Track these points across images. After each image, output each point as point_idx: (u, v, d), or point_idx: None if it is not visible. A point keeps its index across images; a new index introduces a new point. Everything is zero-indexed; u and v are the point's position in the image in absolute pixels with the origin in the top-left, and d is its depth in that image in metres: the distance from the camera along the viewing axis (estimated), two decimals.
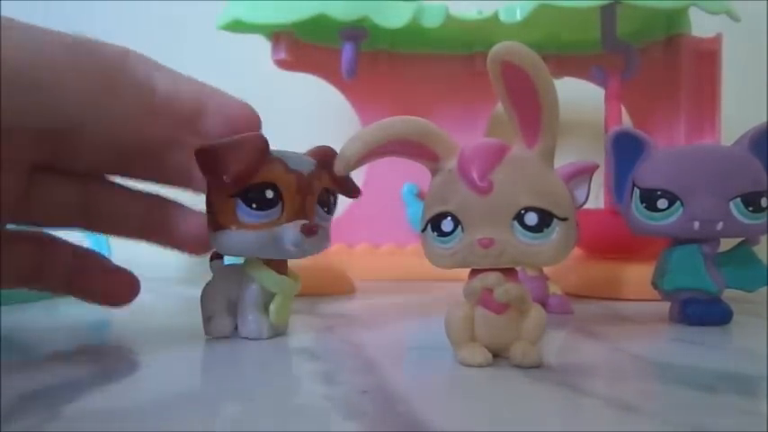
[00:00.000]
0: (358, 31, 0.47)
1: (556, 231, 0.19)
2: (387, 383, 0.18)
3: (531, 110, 0.19)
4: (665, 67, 0.46)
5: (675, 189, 0.27)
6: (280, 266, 0.25)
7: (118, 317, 0.33)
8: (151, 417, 0.15)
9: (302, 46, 0.50)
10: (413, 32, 0.49)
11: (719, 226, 0.27)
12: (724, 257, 0.29)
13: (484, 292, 0.20)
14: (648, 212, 0.28)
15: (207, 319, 0.25)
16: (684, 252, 0.28)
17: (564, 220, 0.19)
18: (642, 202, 0.28)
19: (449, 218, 0.20)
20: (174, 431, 0.14)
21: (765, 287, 0.29)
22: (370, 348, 0.23)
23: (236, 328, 0.25)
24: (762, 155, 0.27)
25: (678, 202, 0.27)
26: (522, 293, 0.20)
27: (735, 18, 0.41)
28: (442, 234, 0.20)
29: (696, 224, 0.27)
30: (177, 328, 0.29)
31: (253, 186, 0.22)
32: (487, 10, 0.48)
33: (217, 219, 0.23)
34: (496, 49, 0.18)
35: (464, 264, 0.20)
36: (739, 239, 0.29)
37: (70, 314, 0.34)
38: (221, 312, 0.25)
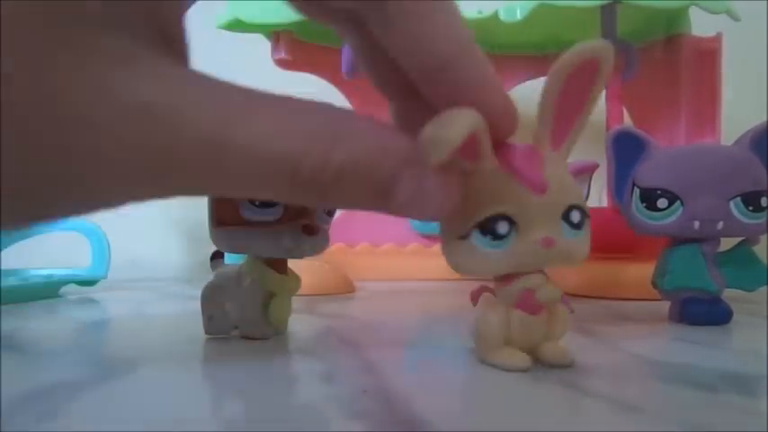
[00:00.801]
0: None
1: (585, 228, 0.20)
2: (387, 383, 0.18)
3: (573, 115, 0.19)
4: (666, 66, 0.46)
5: (675, 188, 0.27)
6: (280, 266, 0.25)
7: (118, 317, 0.33)
8: (151, 417, 0.15)
9: (302, 46, 0.50)
10: None
11: (720, 225, 0.27)
12: (724, 257, 0.28)
13: (524, 294, 0.20)
14: (649, 212, 0.28)
15: (207, 318, 0.25)
16: (684, 252, 0.28)
17: (589, 217, 0.20)
18: (642, 202, 0.28)
19: (505, 220, 0.18)
20: (174, 431, 0.14)
21: (765, 287, 0.29)
22: (370, 348, 0.23)
23: (235, 327, 0.25)
24: (762, 154, 0.27)
25: (678, 202, 0.27)
26: (561, 294, 0.20)
27: (735, 18, 0.41)
28: (497, 237, 0.18)
29: (696, 224, 0.27)
30: (177, 328, 0.29)
31: None
32: (487, 9, 0.48)
33: (218, 215, 0.23)
34: (587, 44, 0.17)
35: (521, 267, 0.19)
36: (739, 239, 0.29)
37: (70, 314, 0.34)
38: (221, 311, 0.25)
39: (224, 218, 0.23)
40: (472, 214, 0.19)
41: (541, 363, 0.20)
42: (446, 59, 0.17)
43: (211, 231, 0.24)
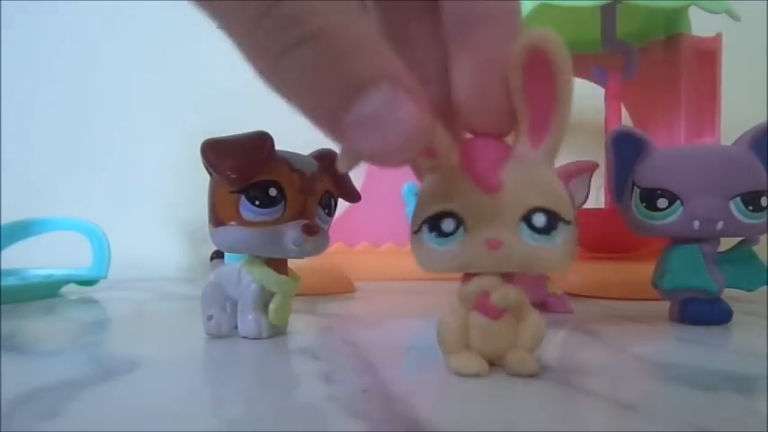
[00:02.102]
0: None
1: (561, 235, 0.18)
2: (386, 383, 0.18)
3: (545, 107, 0.18)
4: (665, 66, 0.46)
5: (675, 188, 0.27)
6: (280, 266, 0.25)
7: (118, 317, 0.33)
8: (151, 417, 0.15)
9: None
10: None
11: (719, 225, 0.27)
12: (724, 257, 0.29)
13: (480, 297, 0.19)
14: (648, 212, 0.28)
15: (207, 317, 0.25)
16: (684, 251, 0.28)
17: (568, 223, 0.18)
18: (642, 202, 0.28)
19: (451, 217, 0.18)
20: (173, 431, 0.14)
21: (765, 287, 0.29)
22: (370, 348, 0.23)
23: (235, 327, 0.25)
24: (762, 154, 0.27)
25: (678, 202, 0.27)
26: (521, 298, 0.19)
27: (735, 18, 0.41)
28: (442, 234, 0.18)
29: (696, 223, 0.27)
30: (177, 328, 0.29)
31: (256, 183, 0.23)
32: None
33: (218, 214, 0.23)
34: (530, 34, 0.17)
35: (466, 267, 0.19)
36: (739, 239, 0.29)
37: (70, 314, 0.34)
38: (221, 311, 0.25)
39: (224, 218, 0.23)
40: (423, 210, 0.19)
41: (504, 371, 0.19)
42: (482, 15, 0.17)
43: (211, 231, 0.24)
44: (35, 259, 0.48)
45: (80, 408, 0.16)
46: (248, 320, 0.24)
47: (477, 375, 0.19)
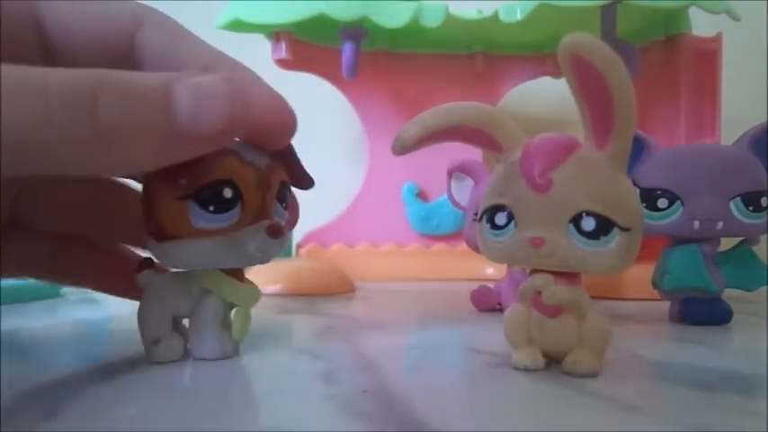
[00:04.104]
0: (358, 31, 0.47)
1: (615, 240, 0.18)
2: (387, 383, 0.18)
3: (603, 109, 0.18)
4: (665, 66, 0.46)
5: (675, 188, 0.27)
6: (237, 274, 0.21)
7: (118, 317, 0.33)
8: (151, 416, 0.15)
9: (302, 46, 0.50)
10: (413, 32, 0.49)
11: (719, 225, 0.27)
12: (724, 257, 0.29)
13: (535, 294, 0.19)
14: (648, 212, 0.28)
15: (153, 341, 0.21)
16: (685, 251, 0.28)
17: (626, 230, 0.18)
18: (642, 202, 0.28)
19: (504, 211, 0.19)
20: (173, 430, 0.14)
21: (765, 287, 0.29)
22: (370, 348, 0.23)
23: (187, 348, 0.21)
24: (762, 154, 0.27)
25: (678, 202, 0.27)
26: (575, 298, 0.19)
27: (735, 18, 0.41)
28: (495, 227, 0.19)
29: (696, 223, 0.27)
30: None
31: (208, 185, 0.19)
32: (487, 9, 0.48)
33: (163, 228, 0.19)
34: (566, 41, 0.17)
35: (511, 260, 0.20)
36: (739, 239, 0.29)
37: (70, 314, 0.34)
38: (168, 333, 0.21)
39: (171, 231, 0.19)
40: (485, 200, 0.20)
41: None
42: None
43: (155, 248, 0.20)
44: None
45: (80, 408, 0.16)
46: (207, 340, 0.21)
47: (527, 369, 0.19)
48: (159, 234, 0.19)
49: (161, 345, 0.21)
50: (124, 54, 0.20)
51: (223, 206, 0.19)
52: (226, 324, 0.21)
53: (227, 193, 0.19)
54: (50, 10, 0.19)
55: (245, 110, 0.18)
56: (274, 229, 0.19)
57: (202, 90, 0.17)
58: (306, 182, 0.22)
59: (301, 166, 0.22)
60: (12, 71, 0.14)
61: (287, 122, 0.20)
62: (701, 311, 0.28)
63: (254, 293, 0.21)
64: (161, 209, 0.19)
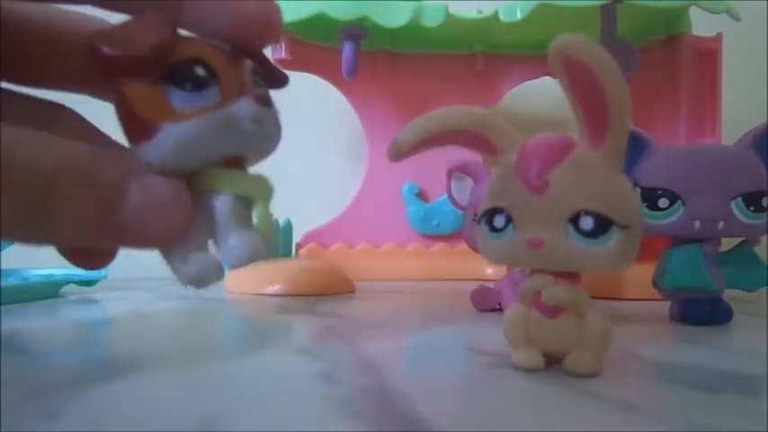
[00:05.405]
0: (358, 31, 0.47)
1: (614, 239, 0.18)
2: (387, 383, 0.18)
3: (597, 108, 0.18)
4: (666, 66, 0.46)
5: (676, 188, 0.27)
6: (239, 165, 0.19)
7: (118, 317, 0.33)
8: (151, 416, 0.15)
9: (302, 45, 0.50)
10: (413, 32, 0.49)
11: (720, 225, 0.27)
12: (725, 257, 0.29)
13: (536, 294, 0.19)
14: (649, 212, 0.28)
15: (182, 262, 0.18)
16: (685, 251, 0.28)
17: (624, 227, 0.18)
18: (643, 202, 0.28)
19: (502, 214, 0.19)
20: (173, 431, 0.14)
21: (766, 287, 0.29)
22: (370, 348, 0.23)
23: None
24: (763, 154, 0.27)
25: (679, 202, 0.27)
26: (574, 298, 0.19)
27: (735, 17, 0.41)
28: (494, 230, 0.19)
29: (697, 223, 0.27)
30: (177, 328, 0.29)
31: (176, 65, 0.17)
32: (487, 9, 0.48)
33: (142, 121, 0.17)
34: (556, 42, 0.17)
35: (511, 262, 0.20)
36: (740, 239, 0.29)
37: (70, 314, 0.34)
38: (199, 249, 0.18)
39: (153, 120, 0.17)
40: (483, 203, 0.20)
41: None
42: None
43: (141, 148, 0.17)
44: (35, 259, 0.48)
45: (80, 408, 0.16)
46: (232, 245, 0.18)
47: (527, 369, 0.19)
48: (141, 131, 0.18)
49: (191, 263, 0.18)
50: None
51: (199, 84, 0.18)
52: (249, 222, 0.19)
53: (200, 71, 0.18)
54: None
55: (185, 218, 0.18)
56: (261, 96, 0.18)
57: (154, 203, 0.17)
58: (280, 78, 0.21)
59: (272, 64, 0.21)
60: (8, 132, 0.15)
61: (273, 21, 0.19)
62: (701, 311, 0.28)
63: (264, 181, 0.19)
64: (136, 99, 0.17)
